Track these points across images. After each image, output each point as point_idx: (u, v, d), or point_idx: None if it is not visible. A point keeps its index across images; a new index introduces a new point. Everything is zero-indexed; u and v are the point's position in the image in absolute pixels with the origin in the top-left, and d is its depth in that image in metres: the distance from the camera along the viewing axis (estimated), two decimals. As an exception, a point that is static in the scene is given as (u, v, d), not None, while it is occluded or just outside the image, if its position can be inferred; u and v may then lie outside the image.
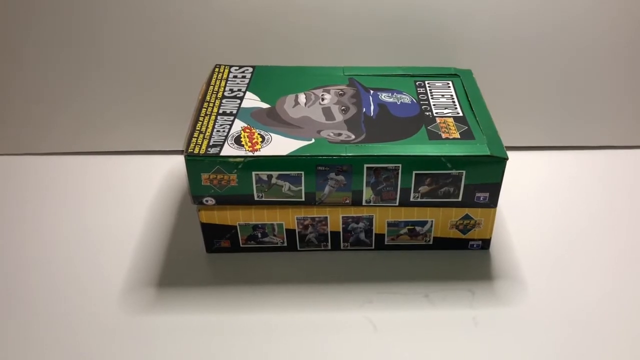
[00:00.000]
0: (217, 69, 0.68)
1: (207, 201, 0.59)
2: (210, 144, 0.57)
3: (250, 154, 0.56)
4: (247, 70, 0.68)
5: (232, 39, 0.72)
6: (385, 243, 0.63)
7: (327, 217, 0.61)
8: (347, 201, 0.59)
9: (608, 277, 0.61)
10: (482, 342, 0.55)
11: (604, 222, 0.68)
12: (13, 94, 0.75)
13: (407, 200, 0.59)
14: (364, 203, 0.59)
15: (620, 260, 0.63)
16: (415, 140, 0.58)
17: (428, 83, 0.67)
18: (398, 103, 0.63)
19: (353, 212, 0.60)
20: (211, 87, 0.65)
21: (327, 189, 0.58)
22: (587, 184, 0.74)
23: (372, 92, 0.65)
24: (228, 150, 0.56)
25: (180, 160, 0.74)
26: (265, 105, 0.63)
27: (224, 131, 0.58)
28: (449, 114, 0.62)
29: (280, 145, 0.57)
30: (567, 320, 0.57)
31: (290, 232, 0.62)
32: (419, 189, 0.58)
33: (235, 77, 0.67)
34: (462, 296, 0.59)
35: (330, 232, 0.62)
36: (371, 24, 0.71)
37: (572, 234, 0.66)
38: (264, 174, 0.57)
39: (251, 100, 0.63)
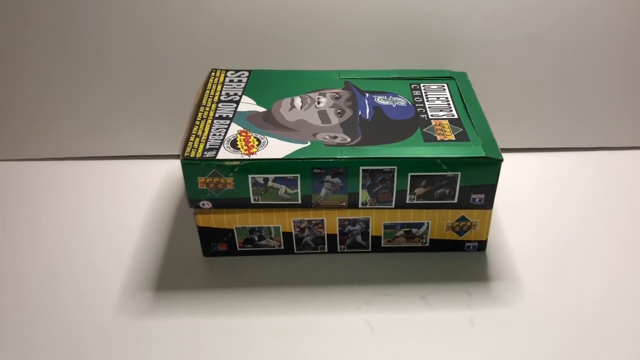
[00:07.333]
0: (213, 74, 0.68)
1: (203, 205, 0.59)
2: (207, 147, 0.57)
3: (247, 157, 0.56)
4: (243, 74, 0.69)
5: (228, 44, 0.72)
6: (382, 245, 0.63)
7: (323, 220, 0.61)
8: (344, 204, 0.59)
9: (604, 278, 0.61)
10: (479, 343, 0.55)
11: (600, 223, 0.68)
12: (11, 100, 0.75)
13: (403, 202, 0.59)
14: (360, 205, 0.59)
15: (616, 261, 0.63)
16: (411, 142, 0.58)
17: (423, 86, 0.67)
18: (393, 106, 0.63)
19: (349, 214, 0.60)
20: (207, 91, 0.65)
21: (323, 191, 0.58)
22: (583, 185, 0.74)
23: (367, 95, 0.65)
24: (224, 153, 0.56)
25: (177, 164, 0.75)
26: (261, 109, 0.63)
27: (220, 135, 0.59)
28: (444, 116, 0.62)
29: (276, 148, 0.57)
30: (563, 321, 0.57)
31: (287, 235, 0.62)
32: (415, 190, 0.58)
33: (231, 81, 0.67)
34: (459, 297, 0.59)
35: (327, 234, 0.62)
36: (366, 27, 0.72)
37: (568, 234, 0.67)
38: (260, 177, 0.57)
39: (247, 104, 0.63)
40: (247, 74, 0.69)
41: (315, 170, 0.57)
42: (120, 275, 0.61)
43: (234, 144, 0.57)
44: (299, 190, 0.58)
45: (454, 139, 0.59)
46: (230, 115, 0.61)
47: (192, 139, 0.58)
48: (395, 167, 0.57)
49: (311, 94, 0.65)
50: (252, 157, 0.56)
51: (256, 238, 0.62)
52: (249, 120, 0.61)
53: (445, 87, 0.67)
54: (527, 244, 0.65)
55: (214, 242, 0.62)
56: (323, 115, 0.62)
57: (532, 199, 0.72)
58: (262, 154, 0.56)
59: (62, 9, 0.69)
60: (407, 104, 0.64)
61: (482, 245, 0.64)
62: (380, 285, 0.60)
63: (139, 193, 0.72)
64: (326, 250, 0.63)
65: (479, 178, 0.58)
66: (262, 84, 0.67)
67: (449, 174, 0.57)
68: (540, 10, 0.71)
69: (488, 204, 0.60)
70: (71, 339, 0.55)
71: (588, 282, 0.61)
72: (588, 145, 0.79)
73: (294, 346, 0.55)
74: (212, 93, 0.65)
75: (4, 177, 0.76)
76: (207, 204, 0.59)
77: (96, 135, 0.77)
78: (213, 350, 0.54)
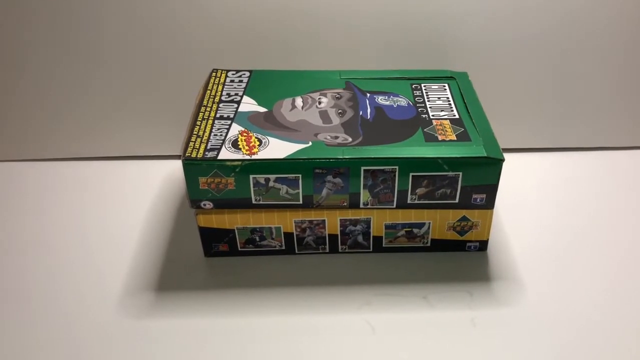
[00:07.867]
0: (214, 74, 0.68)
1: (205, 205, 0.59)
2: (208, 147, 0.57)
3: (248, 157, 0.56)
4: (244, 74, 0.68)
5: (229, 44, 0.72)
6: (383, 245, 0.63)
7: (324, 220, 0.61)
8: (345, 204, 0.59)
9: (605, 278, 0.61)
10: (481, 343, 0.55)
11: (601, 223, 0.68)
12: (12, 101, 0.75)
13: (404, 202, 0.59)
14: (361, 205, 0.59)
15: (617, 261, 0.63)
16: (412, 142, 0.58)
17: (424, 86, 0.67)
18: (394, 106, 0.63)
19: (351, 214, 0.60)
20: (208, 91, 0.65)
21: (324, 191, 0.58)
22: (583, 185, 0.74)
23: (368, 95, 0.65)
24: (225, 154, 0.56)
25: (178, 164, 0.75)
26: (262, 109, 0.63)
27: (221, 135, 0.59)
28: (445, 116, 0.62)
29: (277, 148, 0.57)
30: (565, 321, 0.57)
31: (288, 236, 0.62)
32: (416, 190, 0.58)
33: (232, 81, 0.67)
34: (460, 297, 0.59)
35: (328, 235, 0.62)
36: (367, 28, 0.72)
37: (568, 234, 0.67)
38: (261, 178, 0.57)
39: (248, 104, 0.63)
40: (247, 74, 0.69)
41: (317, 171, 0.57)
42: (121, 276, 0.61)
43: (235, 144, 0.57)
44: (300, 190, 0.58)
45: (455, 139, 0.59)
46: (232, 116, 0.61)
47: (193, 139, 0.58)
48: (397, 167, 0.57)
49: (312, 94, 0.65)
50: (253, 157, 0.56)
51: (257, 238, 0.62)
52: (250, 121, 0.61)
53: (446, 87, 0.67)
54: (528, 244, 0.65)
55: (215, 243, 0.62)
56: (324, 115, 0.62)
57: (533, 198, 0.72)
58: (264, 154, 0.56)
59: (62, 9, 0.69)
60: (408, 104, 0.64)
61: (483, 245, 0.64)
62: (381, 285, 0.60)
63: (140, 193, 0.72)
64: (327, 250, 0.63)
65: (480, 178, 0.58)
66: (263, 84, 0.67)
67: (450, 174, 0.57)
68: (540, 10, 0.71)
69: (489, 203, 0.60)
70: (71, 339, 0.55)
71: (589, 282, 0.61)
72: (588, 145, 0.79)
73: (294, 346, 0.54)
74: (213, 93, 0.65)
75: (4, 177, 0.76)
76: (209, 204, 0.59)
77: (96, 136, 0.77)
78: (213, 350, 0.54)
